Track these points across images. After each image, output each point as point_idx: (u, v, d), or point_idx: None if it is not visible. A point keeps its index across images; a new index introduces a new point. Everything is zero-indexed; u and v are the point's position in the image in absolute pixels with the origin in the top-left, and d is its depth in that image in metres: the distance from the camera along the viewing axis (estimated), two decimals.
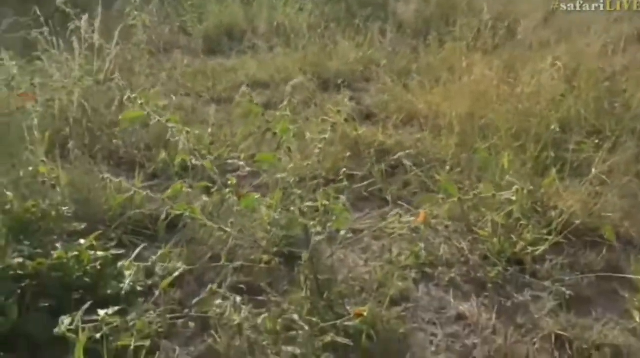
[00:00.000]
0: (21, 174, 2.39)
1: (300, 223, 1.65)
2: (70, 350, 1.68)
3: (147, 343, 1.70)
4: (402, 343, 1.81)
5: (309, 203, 1.67)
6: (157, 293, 1.84)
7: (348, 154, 2.98)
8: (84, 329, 1.50)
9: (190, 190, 1.70)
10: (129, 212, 2.33)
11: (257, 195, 1.73)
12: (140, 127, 3.23)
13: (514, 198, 1.55)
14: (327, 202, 1.64)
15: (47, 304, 1.78)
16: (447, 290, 2.17)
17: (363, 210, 2.70)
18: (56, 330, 1.49)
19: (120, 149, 3.05)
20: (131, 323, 1.76)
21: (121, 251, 2.03)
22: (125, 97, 1.56)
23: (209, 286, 1.69)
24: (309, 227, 1.67)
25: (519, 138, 2.94)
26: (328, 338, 1.56)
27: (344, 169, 2.03)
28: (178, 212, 1.68)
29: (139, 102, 1.58)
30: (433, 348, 1.87)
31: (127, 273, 2.02)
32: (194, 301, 1.88)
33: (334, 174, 2.73)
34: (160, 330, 1.84)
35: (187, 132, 1.66)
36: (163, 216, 1.66)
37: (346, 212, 1.65)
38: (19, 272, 1.79)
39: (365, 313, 1.55)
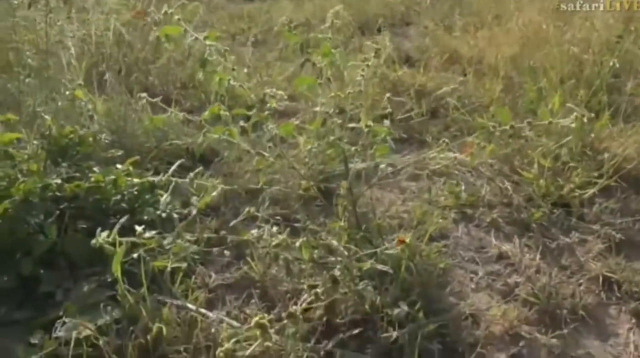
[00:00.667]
0: (59, 104, 2.38)
1: (340, 148, 1.58)
2: (108, 269, 1.68)
3: (184, 265, 1.69)
4: (441, 278, 1.76)
5: (352, 125, 1.60)
6: (193, 212, 1.80)
7: (387, 95, 2.87)
8: (121, 243, 1.49)
9: (227, 113, 1.65)
10: (165, 143, 2.30)
11: (296, 123, 1.67)
12: (175, 65, 3.19)
13: (573, 125, 1.44)
14: (371, 123, 1.56)
15: (84, 226, 1.78)
16: (488, 230, 2.09)
17: (401, 152, 2.62)
18: (93, 241, 1.48)
19: (157, 87, 3.02)
20: (167, 247, 1.75)
21: (158, 177, 2.01)
22: (162, 12, 1.49)
23: (246, 209, 1.64)
24: (348, 152, 1.60)
25: (569, 82, 2.78)
26: (367, 265, 1.51)
27: (388, 94, 1.92)
28: (215, 136, 1.62)
29: (176, 17, 1.52)
30: (473, 286, 1.81)
31: (163, 200, 2.00)
32: (231, 223, 1.85)
33: (373, 110, 2.63)
34: (195, 256, 1.82)
35: (226, 51, 1.59)
36: (200, 139, 1.61)
37: (391, 133, 1.57)
38: (57, 193, 1.79)
39: (407, 241, 1.48)
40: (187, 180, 1.66)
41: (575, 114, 1.46)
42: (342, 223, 1.70)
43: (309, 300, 1.14)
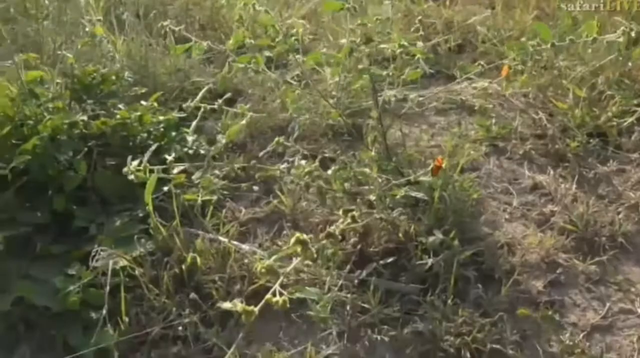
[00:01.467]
0: (79, 46, 2.34)
1: (369, 75, 1.52)
2: (139, 205, 1.68)
3: (214, 198, 1.68)
4: (475, 208, 1.72)
5: (384, 46, 1.53)
6: (221, 144, 1.77)
7: (412, 29, 2.77)
8: (152, 171, 1.47)
9: (252, 41, 1.59)
10: (187, 82, 2.26)
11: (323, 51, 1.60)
12: (193, 6, 3.10)
13: (620, 39, 1.36)
14: (405, 43, 1.49)
15: (113, 163, 1.77)
16: (521, 162, 2.03)
17: (428, 88, 2.53)
18: (125, 169, 1.47)
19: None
20: (196, 181, 1.73)
21: (183, 114, 1.98)
22: None
23: (276, 139, 1.61)
24: (378, 78, 1.54)
25: (604, 10, 2.64)
26: (401, 192, 1.48)
27: (420, 17, 1.84)
28: (241, 65, 1.57)
29: None
30: (507, 216, 1.77)
31: (189, 138, 1.98)
32: (261, 153, 1.83)
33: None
34: (224, 192, 1.81)
35: None
36: (226, 69, 1.56)
37: (426, 54, 1.50)
38: (84, 131, 1.77)
39: (444, 165, 1.44)
40: (216, 106, 1.61)
41: (622, 27, 1.37)
42: (372, 154, 1.66)
43: (345, 223, 1.11)
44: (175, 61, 2.35)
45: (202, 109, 1.66)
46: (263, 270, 0.88)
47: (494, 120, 2.21)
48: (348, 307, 1.42)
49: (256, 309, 0.87)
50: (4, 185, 1.63)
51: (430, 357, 1.34)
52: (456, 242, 1.52)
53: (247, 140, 2.09)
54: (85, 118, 1.77)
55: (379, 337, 1.37)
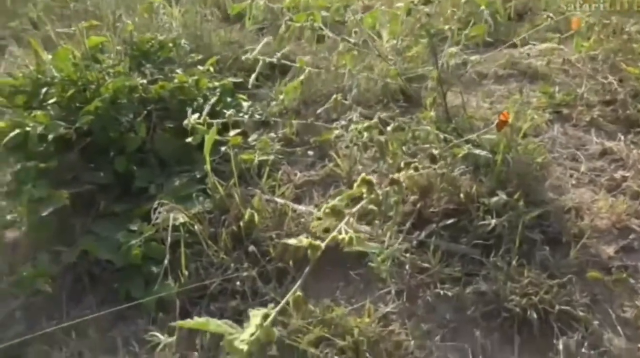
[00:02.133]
0: (136, 19, 2.38)
1: (429, 31, 1.48)
2: (197, 167, 1.71)
3: (270, 157, 1.68)
4: (539, 173, 1.65)
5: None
6: (277, 106, 1.76)
7: None
8: (211, 124, 1.48)
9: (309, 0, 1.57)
10: (241, 51, 2.27)
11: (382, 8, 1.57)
12: None
13: None
14: None
15: (171, 126, 1.79)
16: (588, 129, 1.94)
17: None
18: (185, 122, 1.48)
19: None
20: (252, 144, 1.74)
21: (238, 80, 1.99)
22: None
23: (333, 96, 1.59)
24: (439, 32, 1.49)
25: None
26: (464, 150, 1.43)
27: None
28: (298, 24, 1.56)
29: None
30: (574, 181, 1.69)
31: (245, 104, 1.99)
32: (318, 111, 1.82)
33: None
34: (280, 156, 1.81)
35: None
36: (282, 29, 1.55)
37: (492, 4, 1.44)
38: (143, 95, 1.81)
39: (510, 120, 1.38)
40: (275, 59, 1.60)
41: None
42: (431, 114, 1.61)
43: (407, 173, 1.08)
44: (229, 34, 2.37)
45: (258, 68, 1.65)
46: (328, 211, 0.86)
47: (557, 87, 2.12)
48: (407, 267, 1.39)
49: (322, 244, 0.85)
50: (69, 146, 1.68)
51: (493, 316, 1.30)
52: (521, 203, 1.46)
53: (301, 107, 2.08)
54: (144, 81, 1.80)
55: (439, 295, 1.34)
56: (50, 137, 1.60)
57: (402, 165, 1.17)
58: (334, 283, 1.44)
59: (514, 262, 1.36)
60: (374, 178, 1.65)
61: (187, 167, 1.74)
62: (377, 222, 1.47)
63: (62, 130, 1.62)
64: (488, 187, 1.52)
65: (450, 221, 1.49)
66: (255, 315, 0.77)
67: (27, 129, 1.59)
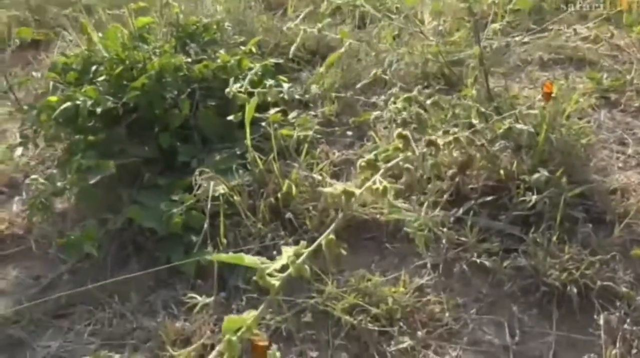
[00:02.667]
0: (182, 6, 2.45)
1: (473, 9, 1.47)
2: (238, 144, 1.75)
3: (309, 133, 1.70)
4: (583, 153, 1.61)
5: None
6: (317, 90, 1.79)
7: None
8: (252, 94, 1.52)
9: None
10: (282, 36, 2.30)
11: None
12: None
13: None
14: None
15: (213, 103, 1.84)
16: (636, 115, 1.89)
17: (532, 42, 2.41)
18: (227, 90, 1.52)
19: None
20: (292, 121, 1.77)
21: (279, 61, 2.02)
22: None
23: (373, 71, 1.60)
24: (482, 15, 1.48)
25: None
26: (505, 125, 1.42)
27: None
28: (339, 2, 1.58)
29: None
30: (620, 164, 1.65)
31: (285, 85, 2.02)
32: (358, 85, 1.83)
33: None
34: (318, 136, 1.83)
35: None
36: (324, 5, 1.57)
37: None
38: (188, 73, 1.86)
39: (554, 93, 1.36)
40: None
41: None
42: (473, 92, 1.60)
43: (447, 139, 1.08)
44: (271, 21, 2.40)
45: None
46: (363, 164, 0.87)
47: (605, 74, 2.07)
48: (443, 241, 1.39)
49: (357, 191, 0.86)
50: (116, 121, 1.75)
51: (532, 291, 1.28)
52: (563, 181, 1.43)
53: (341, 90, 2.10)
54: (189, 60, 1.85)
55: (476, 269, 1.33)
56: (99, 110, 1.67)
57: (440, 133, 1.17)
58: (369, 257, 1.45)
59: (554, 238, 1.33)
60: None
61: (228, 144, 1.78)
62: (414, 197, 1.48)
63: (110, 104, 1.69)
64: (529, 165, 1.50)
65: (489, 198, 1.47)
66: (287, 251, 0.79)
67: (77, 102, 1.67)
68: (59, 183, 1.54)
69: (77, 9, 2.46)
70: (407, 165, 0.96)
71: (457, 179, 1.44)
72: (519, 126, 1.40)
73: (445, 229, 1.40)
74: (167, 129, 1.78)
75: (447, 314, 1.27)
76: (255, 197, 1.56)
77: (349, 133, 1.88)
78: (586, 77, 2.08)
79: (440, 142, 1.03)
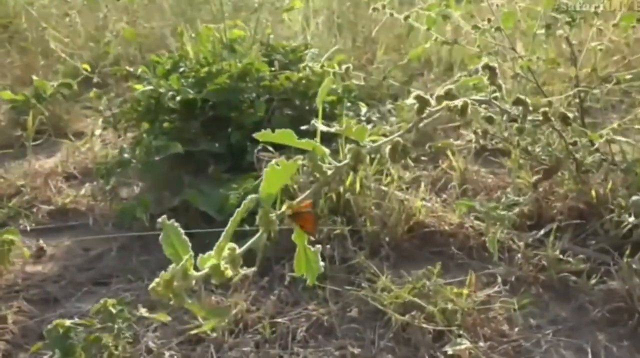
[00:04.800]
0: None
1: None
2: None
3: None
4: None
5: None
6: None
7: None
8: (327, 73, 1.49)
9: None
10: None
11: None
12: None
13: None
14: None
15: (289, 113, 1.85)
16: None
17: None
18: (301, 66, 1.51)
19: None
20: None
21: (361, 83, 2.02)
22: None
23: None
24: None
25: None
26: (603, 137, 1.28)
27: None
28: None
29: None
30: None
31: (363, 109, 2.00)
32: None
33: None
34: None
35: None
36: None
37: None
38: (269, 83, 1.89)
39: None
40: None
41: None
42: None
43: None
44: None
45: None
46: (441, 94, 0.78)
47: None
48: (519, 255, 1.23)
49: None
50: (193, 116, 1.78)
51: (623, 319, 1.08)
52: None
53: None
54: (273, 68, 1.89)
55: (555, 288, 1.16)
56: (178, 98, 1.71)
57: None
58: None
59: None
60: (488, 180, 1.56)
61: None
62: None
63: (190, 96, 1.74)
64: (626, 186, 1.33)
65: (575, 221, 1.31)
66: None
67: (160, 90, 1.73)
68: (125, 155, 1.57)
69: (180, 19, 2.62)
70: (495, 94, 0.85)
71: (540, 189, 1.30)
72: (617, 138, 1.26)
73: (522, 243, 1.25)
74: (240, 128, 1.79)
75: (516, 330, 1.09)
76: (317, 195, 1.49)
77: (423, 158, 1.80)
78: None
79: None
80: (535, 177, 1.33)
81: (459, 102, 0.73)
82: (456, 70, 2.39)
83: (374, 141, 1.51)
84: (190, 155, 1.70)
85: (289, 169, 0.65)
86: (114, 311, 1.06)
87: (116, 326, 1.05)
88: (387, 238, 1.35)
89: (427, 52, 2.36)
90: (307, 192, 0.66)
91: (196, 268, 0.61)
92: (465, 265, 1.28)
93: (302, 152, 1.63)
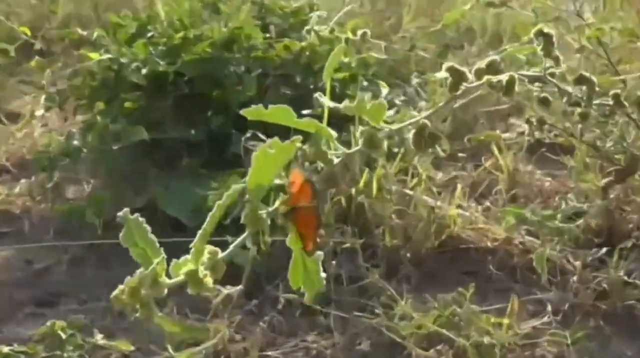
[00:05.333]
0: None
1: None
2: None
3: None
4: None
5: None
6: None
7: None
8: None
9: None
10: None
11: None
12: None
13: None
14: None
15: (288, 92, 1.92)
16: None
17: None
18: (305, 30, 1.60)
19: None
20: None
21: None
22: None
23: None
24: None
25: None
26: None
27: None
28: None
29: None
30: None
31: (384, 90, 2.08)
32: None
33: None
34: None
35: None
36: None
37: None
38: (263, 54, 1.96)
39: None
40: None
41: None
42: None
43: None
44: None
45: None
46: (482, 67, 0.85)
47: None
48: (574, 278, 1.30)
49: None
50: (163, 93, 1.85)
51: None
52: None
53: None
54: (268, 35, 1.97)
55: (618, 321, 1.23)
56: (145, 71, 1.79)
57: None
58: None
59: None
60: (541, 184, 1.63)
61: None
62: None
63: (159, 68, 1.81)
64: None
65: None
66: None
67: (122, 60, 1.81)
68: (74, 142, 1.64)
69: None
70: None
71: (611, 195, 1.37)
72: None
73: (578, 263, 1.31)
74: (224, 111, 1.86)
75: None
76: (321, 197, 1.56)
77: (461, 155, 1.87)
78: None
79: None
80: (605, 180, 1.40)
81: (504, 77, 0.80)
82: (505, 42, 2.47)
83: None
84: (158, 144, 1.78)
85: (285, 152, 0.70)
86: (63, 336, 1.13)
87: (65, 355, 1.12)
88: (408, 254, 1.42)
89: (468, 18, 2.44)
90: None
91: (168, 276, 0.68)
92: (507, 290, 1.35)
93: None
